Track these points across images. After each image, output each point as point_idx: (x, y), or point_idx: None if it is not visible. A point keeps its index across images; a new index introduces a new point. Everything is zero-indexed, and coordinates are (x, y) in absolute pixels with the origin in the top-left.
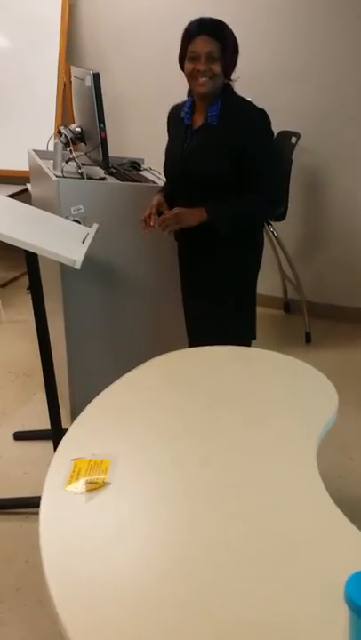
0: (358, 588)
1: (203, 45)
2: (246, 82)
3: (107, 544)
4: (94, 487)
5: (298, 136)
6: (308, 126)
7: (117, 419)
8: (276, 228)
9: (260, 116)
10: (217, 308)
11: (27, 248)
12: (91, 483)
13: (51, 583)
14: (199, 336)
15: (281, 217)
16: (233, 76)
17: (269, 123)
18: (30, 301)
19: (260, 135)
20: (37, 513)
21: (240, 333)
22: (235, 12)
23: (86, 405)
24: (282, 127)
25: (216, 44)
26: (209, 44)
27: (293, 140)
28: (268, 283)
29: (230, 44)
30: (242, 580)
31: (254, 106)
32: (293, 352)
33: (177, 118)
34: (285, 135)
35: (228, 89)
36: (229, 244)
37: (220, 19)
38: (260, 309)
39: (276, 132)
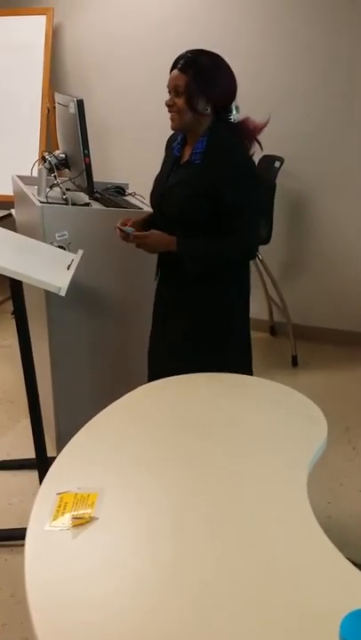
0: (353, 629)
1: (171, 79)
2: None
3: (93, 582)
4: (80, 522)
5: (281, 161)
6: (291, 151)
7: (104, 450)
8: (261, 251)
9: (244, 163)
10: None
11: (11, 275)
12: (77, 518)
13: (36, 623)
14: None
15: (266, 240)
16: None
17: (253, 170)
18: (15, 326)
19: (239, 182)
20: (23, 545)
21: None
22: (218, 38)
23: (72, 432)
24: (265, 152)
25: (183, 77)
26: (176, 78)
27: (277, 164)
28: (254, 306)
29: (202, 77)
30: (230, 614)
31: (242, 152)
32: (280, 376)
33: (171, 148)
34: (269, 160)
35: (217, 127)
36: (205, 281)
37: (204, 45)
38: None
39: (259, 157)
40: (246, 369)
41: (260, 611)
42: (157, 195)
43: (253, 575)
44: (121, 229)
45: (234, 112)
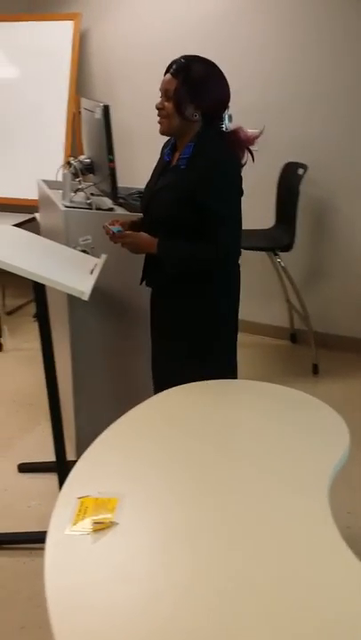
0: None
1: (163, 83)
2: (253, 114)
3: (113, 587)
4: (101, 527)
5: (305, 168)
6: (315, 158)
7: (124, 455)
8: (284, 258)
9: (228, 172)
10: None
11: (34, 279)
12: (97, 523)
13: (55, 627)
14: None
15: (288, 247)
16: (226, 122)
17: (236, 180)
18: (37, 329)
19: (221, 190)
20: (41, 548)
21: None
22: (244, 43)
23: (92, 436)
24: (289, 159)
25: (174, 81)
26: (168, 82)
27: (300, 171)
28: (274, 313)
29: (192, 83)
30: (247, 622)
31: (229, 160)
32: (301, 384)
33: (163, 153)
34: (292, 167)
35: (205, 134)
36: (190, 282)
37: (233, 51)
38: (266, 340)
39: (282, 164)
40: (232, 372)
41: (278, 620)
42: (146, 198)
43: (272, 584)
44: (108, 228)
45: (226, 121)
